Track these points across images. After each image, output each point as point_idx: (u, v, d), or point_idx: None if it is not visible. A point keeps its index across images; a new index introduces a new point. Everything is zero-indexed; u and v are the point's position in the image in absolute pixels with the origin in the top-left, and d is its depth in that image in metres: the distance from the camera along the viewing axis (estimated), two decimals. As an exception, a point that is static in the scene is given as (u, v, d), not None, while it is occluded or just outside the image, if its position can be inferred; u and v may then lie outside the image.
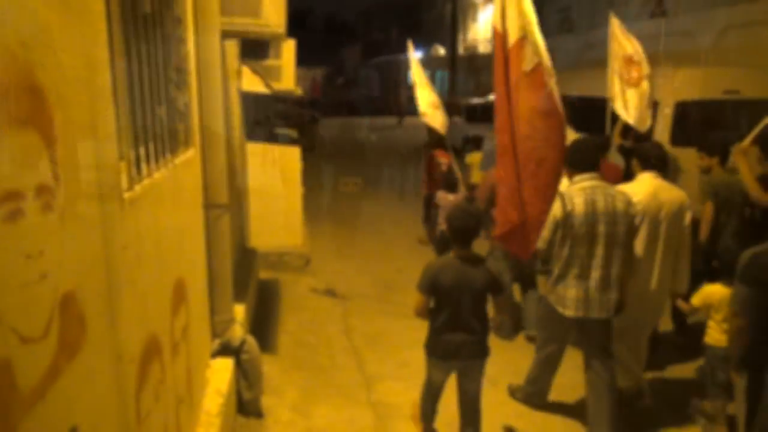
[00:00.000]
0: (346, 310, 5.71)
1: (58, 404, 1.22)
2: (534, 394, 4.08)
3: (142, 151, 1.95)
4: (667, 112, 6.28)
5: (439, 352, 3.27)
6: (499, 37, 3.02)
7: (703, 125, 6.44)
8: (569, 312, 3.50)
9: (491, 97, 18.90)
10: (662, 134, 6.34)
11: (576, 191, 3.42)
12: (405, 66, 31.19)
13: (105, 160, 1.54)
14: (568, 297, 3.49)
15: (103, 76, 1.57)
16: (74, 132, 1.36)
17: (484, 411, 3.69)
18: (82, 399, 1.36)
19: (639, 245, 3.72)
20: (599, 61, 6.55)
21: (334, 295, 6.09)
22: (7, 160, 1.04)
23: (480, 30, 29.45)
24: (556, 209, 3.34)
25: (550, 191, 2.98)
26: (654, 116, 6.28)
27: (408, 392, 4.16)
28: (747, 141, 4.37)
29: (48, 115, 1.21)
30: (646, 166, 3.92)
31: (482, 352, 3.25)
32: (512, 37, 2.97)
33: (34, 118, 1.15)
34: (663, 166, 3.94)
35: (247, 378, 3.47)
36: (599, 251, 3.40)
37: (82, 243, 1.38)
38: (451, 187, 6.53)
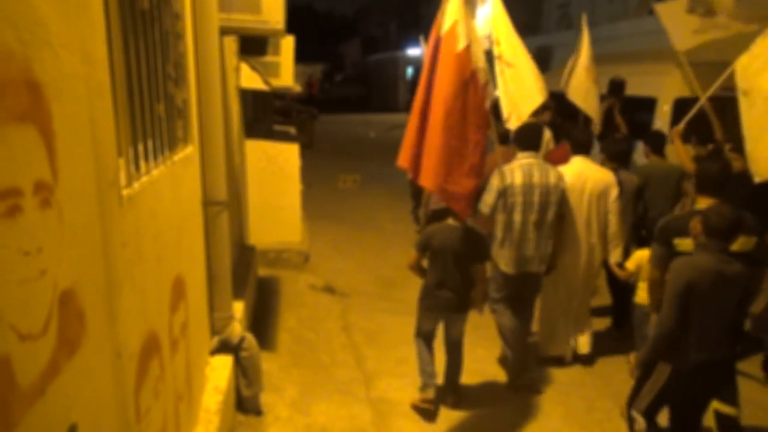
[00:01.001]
0: (345, 307, 5.71)
1: (58, 401, 1.21)
2: (520, 375, 4.26)
3: (140, 147, 1.94)
4: (666, 108, 6.28)
5: (428, 304, 3.91)
6: (435, 29, 3.53)
7: (701, 121, 6.44)
8: (510, 270, 4.08)
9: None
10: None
11: (516, 166, 4.03)
12: (404, 62, 31.17)
13: (103, 157, 1.54)
14: (510, 257, 4.06)
15: (102, 72, 1.56)
16: (72, 128, 1.35)
17: (481, 409, 3.72)
18: (81, 396, 1.35)
19: (567, 218, 4.38)
20: (598, 57, 6.55)
21: (333, 292, 6.08)
22: (5, 156, 1.04)
23: (478, 26, 29.35)
24: (498, 181, 3.98)
25: (478, 169, 3.56)
26: (652, 112, 6.31)
27: (407, 389, 4.17)
28: (681, 125, 5.17)
29: (46, 111, 1.21)
30: (577, 150, 4.59)
31: (463, 308, 3.89)
32: (447, 23, 3.44)
33: (32, 114, 1.14)
34: (590, 150, 4.62)
35: (246, 375, 3.47)
36: (533, 217, 3.99)
37: (80, 240, 1.38)
38: None
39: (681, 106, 6.40)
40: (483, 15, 28.81)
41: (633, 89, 6.64)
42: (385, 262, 7.12)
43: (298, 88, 7.22)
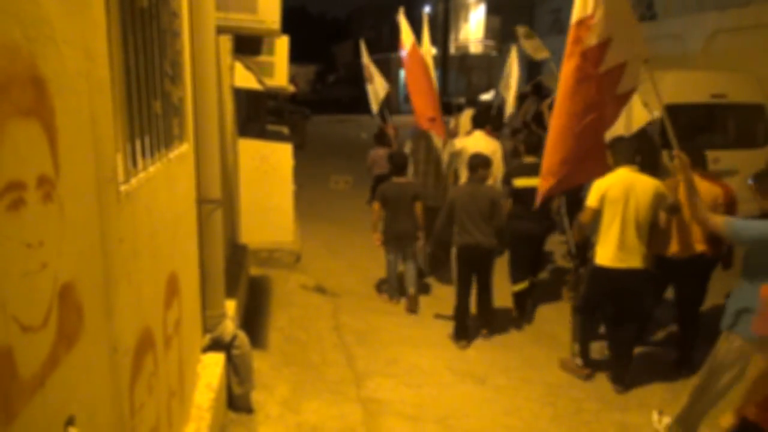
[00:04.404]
0: (336, 307, 5.72)
1: (57, 393, 1.23)
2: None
3: (137, 144, 1.95)
4: (655, 114, 6.33)
5: (387, 237, 5.79)
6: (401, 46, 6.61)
7: (691, 128, 6.62)
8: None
9: (483, 96, 19.07)
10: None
11: (468, 137, 6.46)
12: (396, 64, 31.17)
13: (103, 152, 1.55)
14: None
15: (102, 69, 1.58)
16: (74, 123, 1.36)
17: (472, 409, 3.74)
18: (78, 389, 1.37)
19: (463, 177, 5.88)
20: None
21: (324, 292, 6.09)
22: (10, 150, 1.05)
23: (471, 30, 29.48)
24: (457, 145, 6.37)
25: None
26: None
27: (397, 388, 4.19)
28: (549, 100, 6.79)
29: (49, 106, 1.22)
30: (476, 126, 6.51)
31: (412, 239, 5.79)
32: (407, 44, 6.73)
33: (36, 109, 1.16)
34: (486, 125, 6.61)
35: (237, 373, 3.47)
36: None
37: (80, 234, 1.39)
38: (383, 144, 8.90)
39: (670, 113, 6.48)
40: (475, 20, 28.98)
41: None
42: (375, 262, 7.12)
43: (291, 89, 7.24)
